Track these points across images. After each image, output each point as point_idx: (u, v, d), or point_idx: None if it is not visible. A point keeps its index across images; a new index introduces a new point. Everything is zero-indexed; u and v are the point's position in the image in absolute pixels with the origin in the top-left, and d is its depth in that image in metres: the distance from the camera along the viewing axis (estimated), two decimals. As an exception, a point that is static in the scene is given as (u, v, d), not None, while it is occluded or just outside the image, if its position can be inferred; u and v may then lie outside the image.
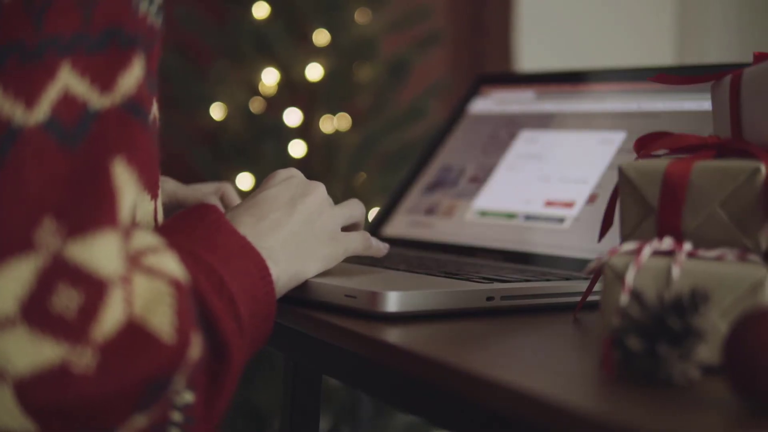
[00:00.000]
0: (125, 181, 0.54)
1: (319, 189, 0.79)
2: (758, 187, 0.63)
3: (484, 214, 1.12)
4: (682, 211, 0.65)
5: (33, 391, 0.50)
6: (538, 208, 1.08)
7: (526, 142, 1.17)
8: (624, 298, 0.59)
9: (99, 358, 0.51)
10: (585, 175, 1.07)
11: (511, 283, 0.82)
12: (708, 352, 0.57)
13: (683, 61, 2.89)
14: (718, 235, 0.64)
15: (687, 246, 0.63)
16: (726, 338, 0.51)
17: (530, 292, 0.82)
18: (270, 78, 2.11)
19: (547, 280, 0.86)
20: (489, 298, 0.79)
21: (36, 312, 0.51)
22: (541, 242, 1.05)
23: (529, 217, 1.08)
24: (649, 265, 0.61)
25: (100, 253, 0.52)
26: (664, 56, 2.94)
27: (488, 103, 1.26)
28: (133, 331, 0.53)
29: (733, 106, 0.71)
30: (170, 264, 0.57)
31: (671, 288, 0.59)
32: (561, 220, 1.05)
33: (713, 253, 0.63)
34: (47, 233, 0.51)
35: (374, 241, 0.84)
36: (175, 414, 0.57)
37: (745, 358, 0.49)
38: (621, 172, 0.69)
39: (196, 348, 0.56)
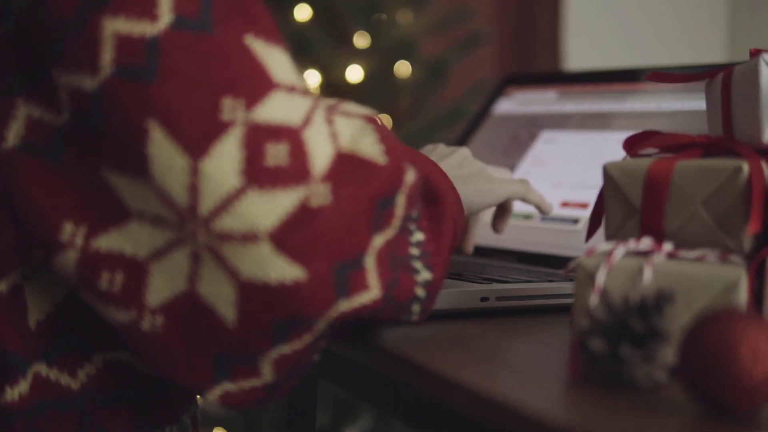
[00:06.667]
0: (264, 51, 0.58)
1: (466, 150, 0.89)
2: (740, 187, 0.62)
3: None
4: (664, 210, 0.64)
5: (287, 237, 0.55)
6: (553, 209, 1.07)
7: (546, 142, 1.16)
8: (593, 299, 0.59)
9: (330, 187, 0.57)
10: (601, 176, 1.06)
11: (508, 284, 0.81)
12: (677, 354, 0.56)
13: (735, 60, 2.83)
14: (701, 235, 0.63)
15: (667, 246, 0.62)
16: (681, 341, 0.50)
17: (527, 293, 0.81)
18: (311, 80, 2.12)
19: (550, 281, 0.85)
20: (483, 299, 0.79)
21: (257, 174, 0.55)
22: (555, 243, 1.04)
23: (544, 218, 1.07)
24: (622, 266, 0.60)
25: (281, 109, 0.57)
26: (715, 55, 2.89)
27: (511, 104, 1.26)
28: (348, 160, 0.59)
29: (725, 105, 0.70)
30: (357, 108, 0.64)
31: (638, 289, 0.58)
32: (575, 221, 1.04)
33: (694, 253, 0.62)
34: (231, 110, 0.56)
35: (537, 192, 0.90)
36: (413, 249, 0.67)
37: (696, 361, 0.48)
38: (605, 172, 0.68)
39: (409, 172, 0.63)
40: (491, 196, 0.85)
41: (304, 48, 2.10)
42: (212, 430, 2.03)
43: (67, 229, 0.58)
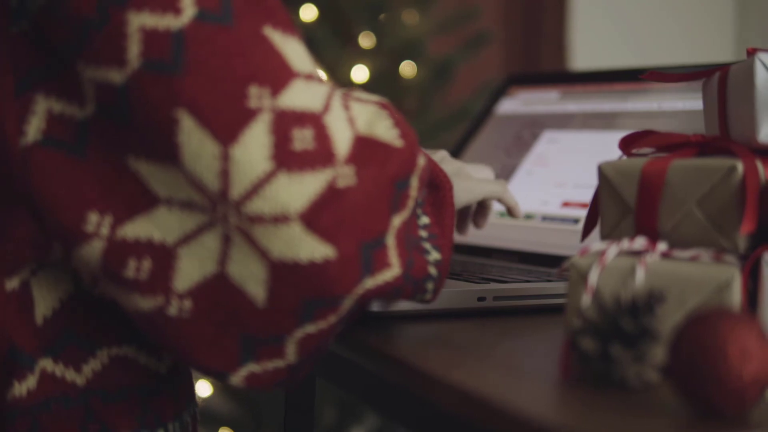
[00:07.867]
0: (281, 41, 0.60)
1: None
2: (735, 186, 0.61)
3: (503, 215, 1.11)
4: (658, 210, 0.64)
5: (317, 218, 0.58)
6: (554, 209, 1.07)
7: (548, 142, 1.16)
8: (586, 299, 0.58)
9: (354, 169, 0.59)
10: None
11: (505, 284, 0.81)
12: (669, 354, 0.56)
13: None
14: (695, 235, 0.63)
15: (661, 246, 0.62)
16: (670, 341, 0.50)
17: (525, 292, 0.81)
18: (316, 80, 2.12)
19: (548, 281, 0.85)
20: (480, 299, 0.78)
21: (286, 158, 0.57)
22: (555, 243, 1.04)
23: (545, 218, 1.07)
24: (615, 266, 0.60)
25: (303, 96, 0.59)
26: (722, 56, 2.88)
27: (514, 104, 1.25)
28: (367, 143, 0.61)
29: (721, 104, 0.69)
30: (368, 95, 0.66)
31: (629, 288, 0.58)
32: (576, 220, 1.04)
33: (688, 253, 0.62)
34: (257, 98, 0.58)
35: (513, 196, 0.92)
36: (421, 231, 0.69)
37: (684, 361, 0.48)
38: (600, 172, 0.68)
39: (421, 156, 0.66)
40: (471, 193, 0.87)
41: (309, 48, 2.10)
42: (218, 429, 2.03)
43: (92, 219, 0.59)
